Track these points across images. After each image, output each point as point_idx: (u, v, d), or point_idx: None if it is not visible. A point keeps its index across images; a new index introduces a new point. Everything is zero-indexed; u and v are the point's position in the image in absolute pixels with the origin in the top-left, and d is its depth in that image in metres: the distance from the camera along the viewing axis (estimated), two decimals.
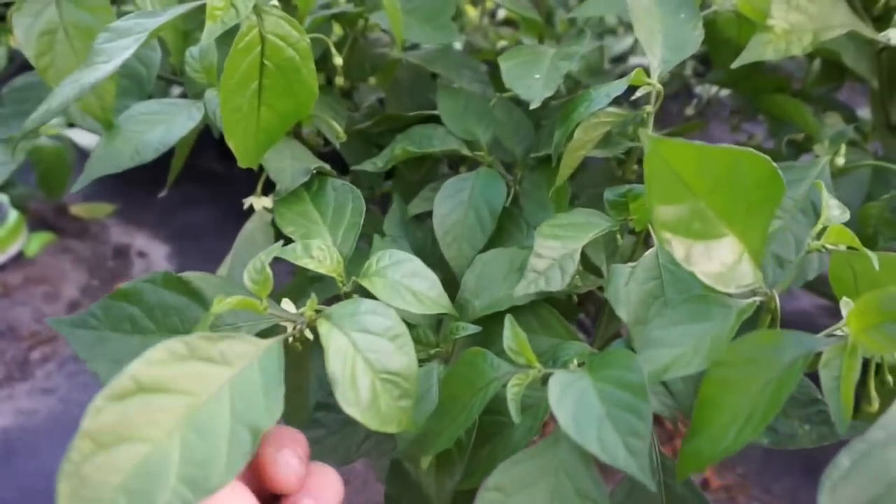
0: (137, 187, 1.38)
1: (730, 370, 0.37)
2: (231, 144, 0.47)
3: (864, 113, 0.80)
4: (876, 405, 0.37)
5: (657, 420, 0.53)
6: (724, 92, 0.90)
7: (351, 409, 0.38)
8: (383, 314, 0.42)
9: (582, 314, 0.82)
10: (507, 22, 1.28)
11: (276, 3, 0.57)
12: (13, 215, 1.56)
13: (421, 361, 0.53)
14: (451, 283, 0.57)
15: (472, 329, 0.51)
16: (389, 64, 0.82)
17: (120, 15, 0.54)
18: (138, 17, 0.47)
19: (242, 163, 0.49)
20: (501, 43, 1.06)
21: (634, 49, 1.12)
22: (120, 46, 0.45)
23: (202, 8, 0.45)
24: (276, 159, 0.55)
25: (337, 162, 0.77)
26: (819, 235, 0.42)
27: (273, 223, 0.60)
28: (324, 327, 0.40)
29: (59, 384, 1.28)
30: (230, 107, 0.46)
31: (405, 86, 0.87)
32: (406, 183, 0.78)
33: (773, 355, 0.35)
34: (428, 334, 0.53)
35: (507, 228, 0.61)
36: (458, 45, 1.07)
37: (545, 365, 0.50)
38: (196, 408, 0.35)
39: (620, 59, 1.15)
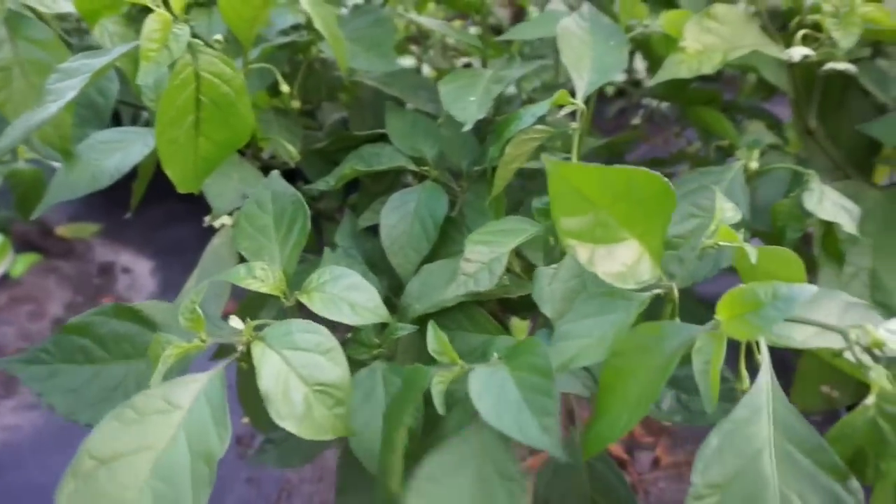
0: (122, 207, 1.41)
1: (624, 359, 0.41)
2: (168, 172, 0.51)
3: None
4: (746, 384, 0.40)
5: (583, 404, 0.57)
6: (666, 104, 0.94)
7: (285, 421, 0.42)
8: (314, 331, 0.46)
9: None
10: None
11: (220, 38, 0.61)
12: None
13: (365, 362, 0.57)
14: (401, 290, 0.61)
15: (409, 329, 0.55)
16: (352, 85, 0.86)
17: (81, 48, 0.58)
18: (85, 58, 0.51)
19: (181, 189, 0.53)
20: (462, 60, 1.10)
21: None
22: (68, 86, 0.48)
23: None
24: (218, 183, 0.59)
25: (304, 178, 0.81)
26: (713, 234, 0.45)
27: None
28: (257, 348, 0.44)
29: None
30: (167, 138, 0.49)
31: (367, 105, 0.91)
32: (370, 195, 0.82)
33: (658, 344, 0.39)
34: (371, 336, 0.56)
35: (451, 236, 0.65)
36: (426, 68, 1.11)
37: (477, 360, 0.54)
38: (157, 459, 0.40)
39: None
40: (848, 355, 0.36)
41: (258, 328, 0.48)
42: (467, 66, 1.01)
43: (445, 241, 0.64)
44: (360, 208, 0.74)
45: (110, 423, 0.40)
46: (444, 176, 0.69)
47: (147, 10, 0.50)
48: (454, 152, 0.71)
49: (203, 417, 0.42)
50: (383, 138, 0.73)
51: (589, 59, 0.59)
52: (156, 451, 0.40)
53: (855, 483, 0.33)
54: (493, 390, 0.41)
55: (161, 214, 1.80)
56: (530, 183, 0.69)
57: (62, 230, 1.78)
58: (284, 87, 0.68)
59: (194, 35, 0.51)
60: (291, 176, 0.83)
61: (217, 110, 0.51)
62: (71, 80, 0.48)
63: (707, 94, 0.74)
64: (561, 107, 0.57)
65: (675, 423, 0.50)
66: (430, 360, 0.57)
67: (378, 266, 0.66)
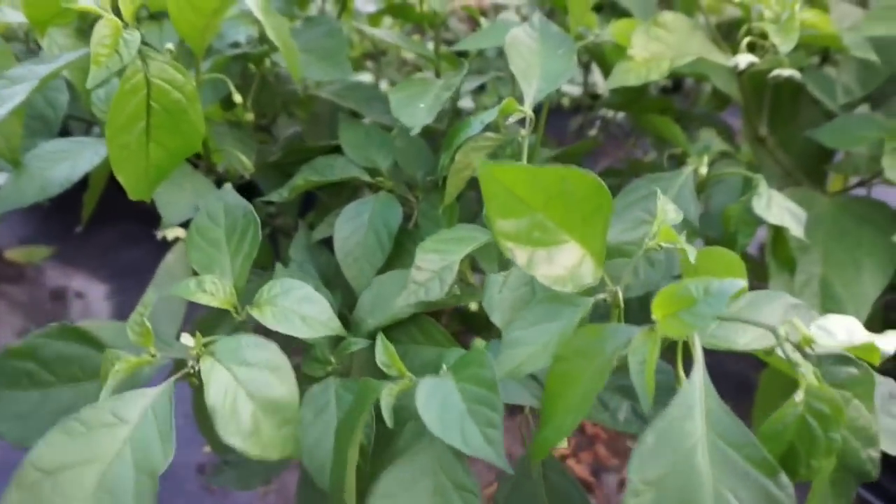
0: (74, 229, 1.41)
1: (567, 364, 0.42)
2: (120, 178, 0.52)
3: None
4: (684, 383, 0.42)
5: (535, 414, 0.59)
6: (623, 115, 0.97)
7: (232, 438, 0.42)
8: (264, 347, 0.47)
9: None
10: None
11: (171, 48, 0.62)
12: None
13: (318, 378, 0.58)
14: (354, 304, 0.63)
15: (363, 343, 0.56)
16: (308, 99, 0.88)
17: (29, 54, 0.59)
18: (32, 65, 0.52)
19: (133, 196, 0.54)
20: (418, 75, 1.12)
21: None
22: (13, 93, 0.49)
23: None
24: (169, 193, 0.60)
25: (260, 193, 0.83)
26: (655, 236, 0.47)
27: None
28: (206, 364, 0.45)
29: None
30: (118, 144, 0.50)
31: (323, 119, 0.92)
32: (327, 211, 0.83)
33: (600, 347, 0.41)
34: (325, 352, 0.58)
35: (407, 248, 0.66)
36: (383, 83, 1.13)
37: (431, 374, 0.55)
38: (103, 472, 0.41)
39: None
40: (779, 352, 0.38)
41: (209, 344, 0.49)
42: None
43: (401, 252, 0.65)
44: (317, 224, 0.75)
45: (56, 435, 0.41)
46: (399, 187, 0.70)
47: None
48: (408, 163, 0.72)
49: (149, 432, 0.43)
50: (338, 150, 0.74)
51: (538, 67, 0.61)
52: (101, 464, 0.41)
53: (785, 478, 0.34)
54: (438, 401, 0.43)
55: (115, 236, 1.80)
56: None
57: (12, 254, 1.76)
58: (237, 98, 0.69)
59: (145, 43, 0.52)
60: (247, 190, 0.84)
61: (168, 117, 0.52)
62: (16, 87, 0.49)
63: (660, 103, 0.77)
64: (513, 115, 0.59)
65: (632, 433, 0.51)
66: (386, 375, 0.58)
67: (333, 281, 0.67)
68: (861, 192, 0.72)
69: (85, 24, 0.66)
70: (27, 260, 1.77)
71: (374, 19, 1.08)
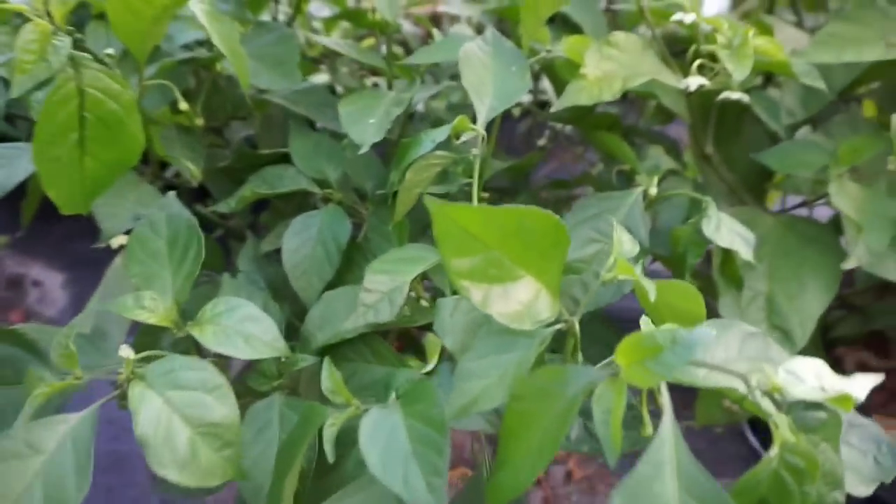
0: (34, 218, 1.31)
1: (525, 403, 0.37)
2: (50, 194, 0.45)
3: None
4: (649, 429, 0.37)
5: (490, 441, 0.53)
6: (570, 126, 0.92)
7: (166, 470, 0.36)
8: (199, 368, 0.41)
9: None
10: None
11: (112, 52, 0.55)
12: None
13: (264, 394, 0.51)
14: (305, 315, 0.57)
15: (311, 360, 0.51)
16: (260, 103, 0.81)
17: None
18: None
19: (65, 210, 0.47)
20: (373, 79, 1.05)
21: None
22: None
23: None
24: (110, 204, 0.53)
25: (212, 197, 0.76)
26: (612, 268, 0.42)
27: None
28: (135, 390, 0.39)
29: None
30: (47, 157, 0.44)
31: (276, 124, 0.85)
32: (280, 214, 0.77)
33: (560, 388, 0.36)
34: (272, 367, 0.52)
35: (356, 261, 0.61)
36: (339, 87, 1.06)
37: (379, 394, 0.49)
38: None
39: None
40: (751, 398, 0.33)
41: (141, 362, 0.42)
42: (375, 85, 0.96)
43: (350, 265, 0.60)
44: (270, 227, 0.68)
45: None
46: (349, 198, 0.64)
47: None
48: (358, 174, 0.66)
49: (64, 464, 0.37)
50: (288, 158, 0.68)
51: (490, 84, 0.56)
52: (9, 501, 0.35)
53: None
54: (382, 439, 0.37)
55: (73, 226, 1.69)
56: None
57: None
58: (183, 105, 0.62)
59: (80, 48, 0.45)
60: (200, 195, 0.77)
61: (104, 128, 0.46)
62: None
63: (608, 118, 0.72)
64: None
65: (583, 452, 0.46)
66: None
67: (281, 291, 0.61)
68: (803, 211, 0.69)
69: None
70: None
71: (329, 24, 1.01)
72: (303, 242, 0.59)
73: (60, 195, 0.46)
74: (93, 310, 0.65)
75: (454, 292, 0.56)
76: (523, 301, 0.39)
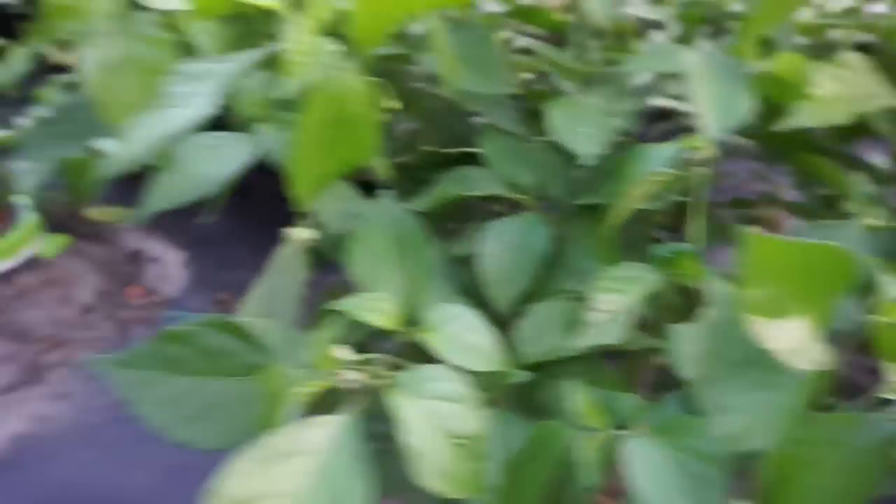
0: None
1: (803, 449, 0.36)
2: (298, 190, 0.46)
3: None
4: None
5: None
6: None
7: (433, 480, 0.36)
8: (451, 378, 0.41)
9: None
10: (525, 51, 1.26)
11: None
12: (30, 217, 1.51)
13: None
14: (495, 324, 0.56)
15: (525, 376, 0.50)
16: (422, 95, 0.81)
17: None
18: (210, 63, 0.45)
19: (301, 206, 0.48)
20: (523, 75, 1.04)
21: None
22: (195, 93, 0.43)
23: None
24: (329, 202, 0.54)
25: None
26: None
27: (309, 251, 0.59)
28: (395, 398, 0.39)
29: (75, 389, 1.24)
30: (302, 156, 0.44)
31: (441, 119, 0.85)
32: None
33: (850, 438, 0.34)
34: (485, 380, 0.51)
35: (551, 273, 0.60)
36: None
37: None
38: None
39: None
40: None
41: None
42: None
43: (546, 279, 0.59)
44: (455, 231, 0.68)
45: (246, 463, 0.36)
46: (538, 206, 0.63)
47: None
48: (548, 181, 0.65)
49: (341, 466, 0.37)
50: (468, 158, 0.67)
51: (716, 99, 0.54)
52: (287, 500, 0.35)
53: None
54: (651, 470, 0.36)
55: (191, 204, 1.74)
56: (637, 226, 0.63)
57: (92, 212, 1.70)
58: (394, 104, 0.62)
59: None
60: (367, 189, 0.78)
61: (347, 128, 0.46)
62: (198, 86, 0.42)
63: (803, 137, 0.69)
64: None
65: None
66: (540, 411, 0.52)
67: (473, 298, 0.60)
68: None
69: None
70: (106, 219, 1.70)
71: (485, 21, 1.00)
72: (499, 250, 0.59)
73: (304, 190, 0.46)
74: (259, 298, 0.66)
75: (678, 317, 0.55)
76: (800, 338, 0.38)
